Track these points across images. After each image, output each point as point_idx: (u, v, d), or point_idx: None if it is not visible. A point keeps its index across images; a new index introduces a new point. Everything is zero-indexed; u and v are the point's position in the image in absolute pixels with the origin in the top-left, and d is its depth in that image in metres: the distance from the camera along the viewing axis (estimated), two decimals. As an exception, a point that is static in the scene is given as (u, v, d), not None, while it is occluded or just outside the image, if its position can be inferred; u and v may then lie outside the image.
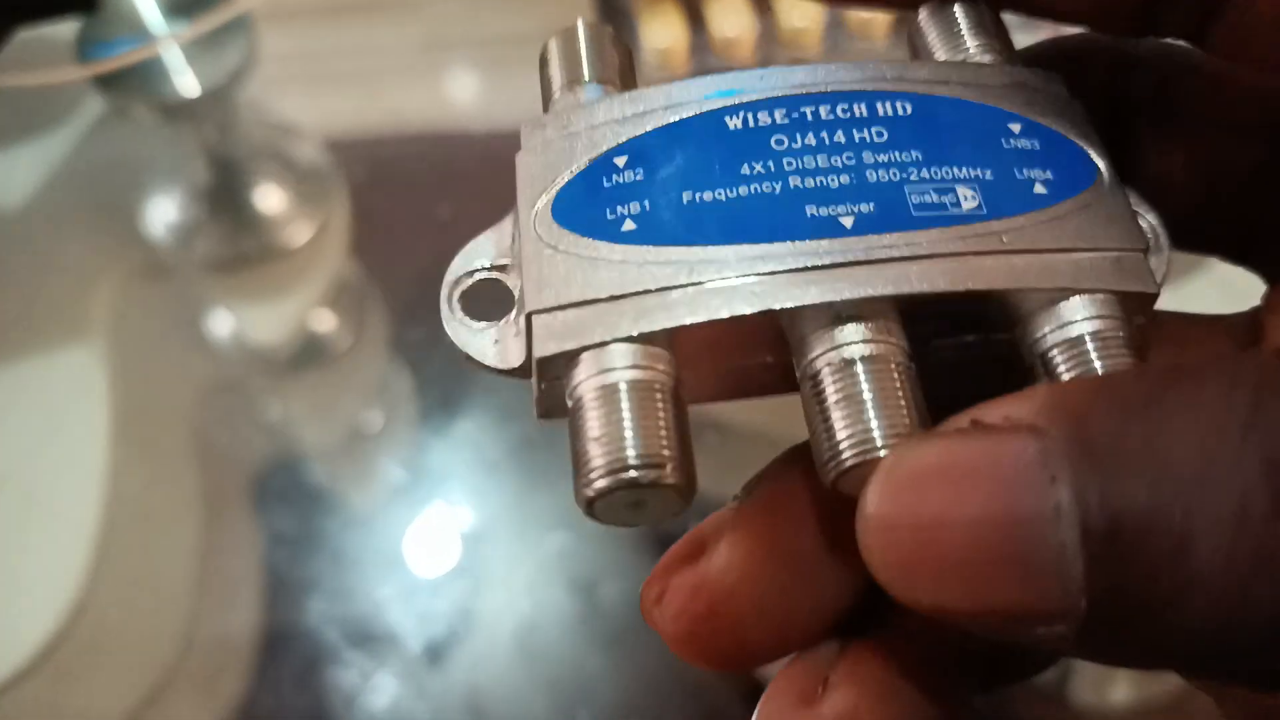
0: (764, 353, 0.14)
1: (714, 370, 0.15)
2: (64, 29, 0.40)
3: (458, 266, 0.15)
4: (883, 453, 0.12)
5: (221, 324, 0.43)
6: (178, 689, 0.34)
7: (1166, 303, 0.15)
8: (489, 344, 0.15)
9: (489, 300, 0.15)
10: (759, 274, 0.13)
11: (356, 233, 0.44)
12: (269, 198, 0.45)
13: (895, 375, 0.13)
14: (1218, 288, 0.17)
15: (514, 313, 0.15)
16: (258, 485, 0.39)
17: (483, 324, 0.15)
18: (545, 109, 0.16)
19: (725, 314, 0.13)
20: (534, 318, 0.14)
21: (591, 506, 0.13)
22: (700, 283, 0.13)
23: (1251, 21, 0.14)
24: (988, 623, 0.11)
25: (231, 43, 0.41)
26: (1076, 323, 0.13)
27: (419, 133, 0.48)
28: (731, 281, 0.13)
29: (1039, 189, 0.14)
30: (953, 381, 0.14)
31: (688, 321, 0.13)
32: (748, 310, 0.13)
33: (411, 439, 0.39)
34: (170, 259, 0.43)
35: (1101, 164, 0.15)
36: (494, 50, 0.50)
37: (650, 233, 0.14)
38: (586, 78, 0.16)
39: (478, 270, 0.15)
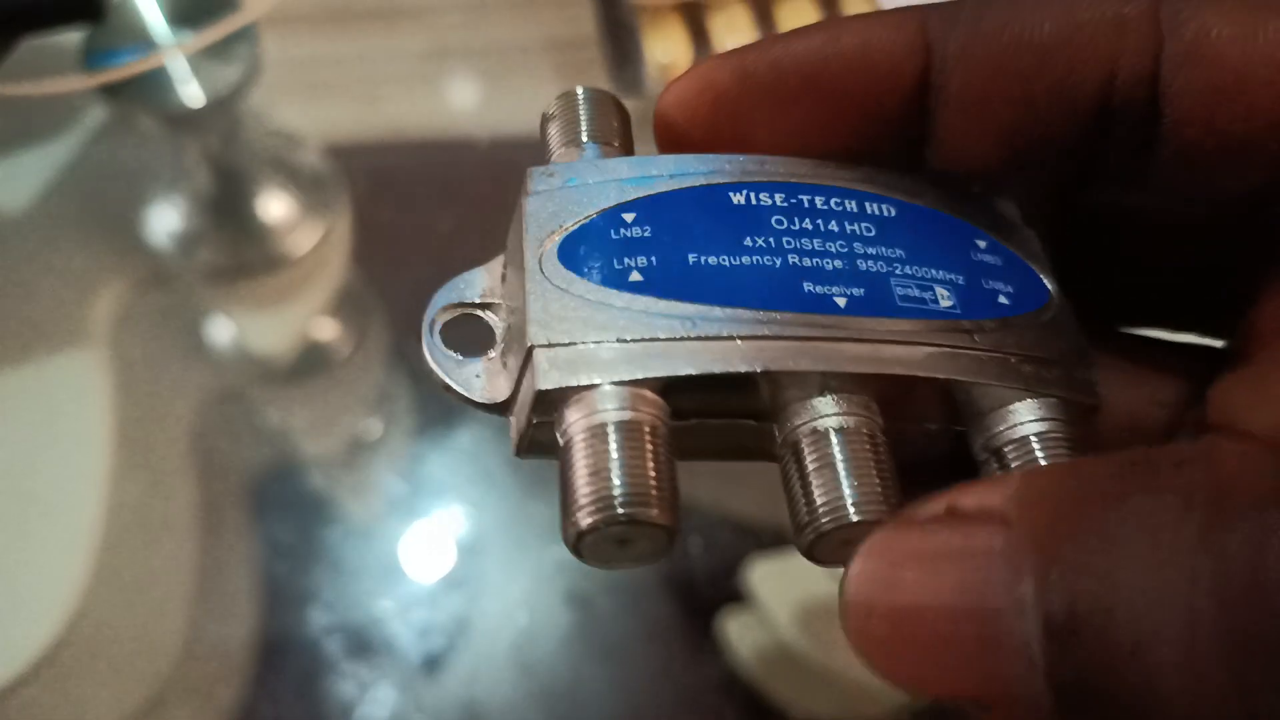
0: (748, 416, 0.15)
1: (700, 428, 0.15)
2: (69, 38, 0.40)
3: (441, 298, 0.16)
4: (855, 517, 0.13)
5: (223, 333, 0.43)
6: (176, 698, 0.34)
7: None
8: (471, 377, 0.15)
9: (468, 339, 0.15)
10: (757, 336, 0.14)
11: (359, 242, 0.44)
12: (272, 207, 0.45)
13: (869, 446, 0.14)
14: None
15: (497, 350, 0.15)
16: (257, 494, 0.39)
17: (465, 358, 0.15)
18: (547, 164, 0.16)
19: (720, 369, 0.14)
20: (536, 351, 0.14)
21: (579, 542, 0.13)
22: (701, 337, 0.14)
23: (1185, 155, 0.15)
24: (961, 704, 0.11)
25: (237, 53, 0.41)
26: (1027, 423, 0.15)
27: (422, 141, 0.48)
28: (731, 341, 0.14)
29: (1002, 300, 0.16)
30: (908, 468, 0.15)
31: (684, 372, 0.14)
32: (743, 368, 0.14)
33: (411, 450, 0.40)
34: (172, 267, 0.43)
35: (1052, 288, 0.16)
36: (497, 60, 0.50)
37: (656, 286, 0.14)
38: (585, 139, 0.16)
39: (462, 304, 0.16)
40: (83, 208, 0.44)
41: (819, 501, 0.13)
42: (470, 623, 0.35)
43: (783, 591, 0.35)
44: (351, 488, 0.39)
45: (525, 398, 0.14)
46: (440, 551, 0.37)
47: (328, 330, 0.43)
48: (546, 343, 0.14)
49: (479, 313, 0.16)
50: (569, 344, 0.14)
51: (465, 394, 0.15)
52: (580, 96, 0.17)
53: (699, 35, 0.43)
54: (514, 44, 0.50)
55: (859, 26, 0.15)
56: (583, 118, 0.17)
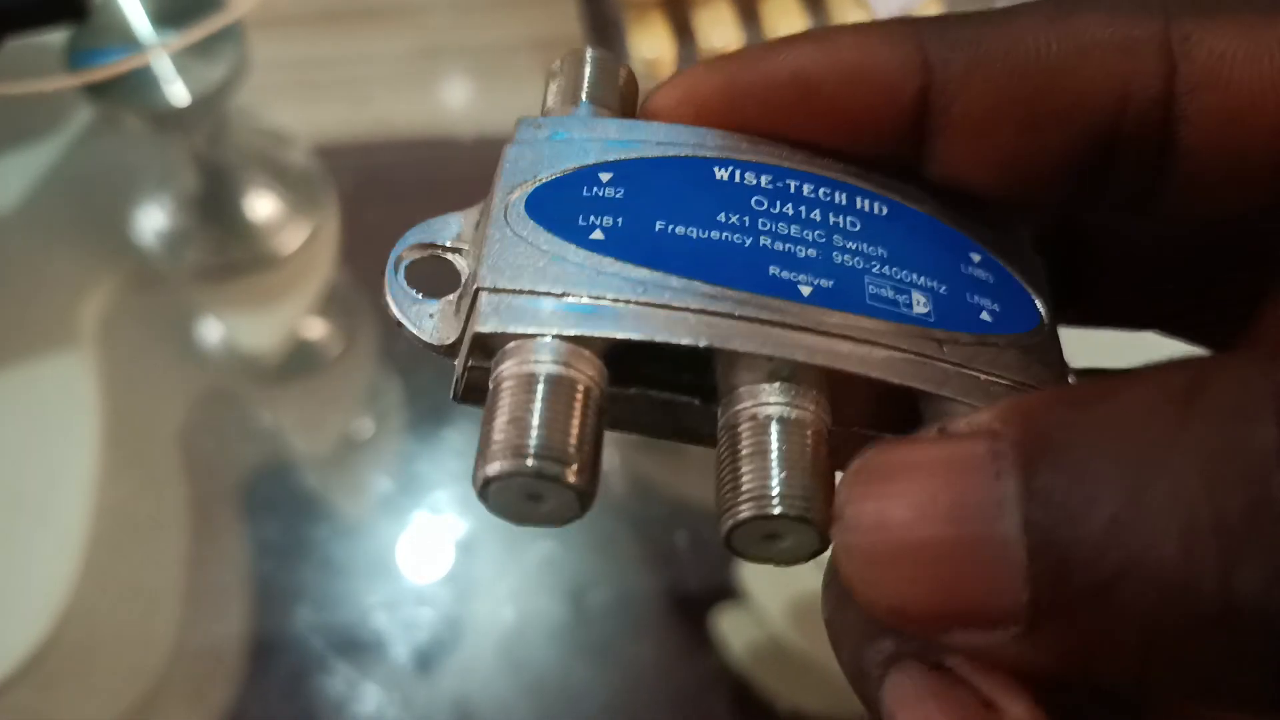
0: (692, 394, 0.15)
1: (640, 399, 0.15)
2: (53, 37, 0.40)
3: (411, 236, 0.16)
4: (776, 509, 0.13)
5: (211, 332, 0.43)
6: (166, 698, 0.34)
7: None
8: (425, 316, 0.15)
9: (439, 284, 0.15)
10: (709, 311, 0.14)
11: (346, 240, 0.44)
12: (259, 206, 0.45)
13: (810, 442, 0.13)
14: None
15: (457, 294, 0.15)
16: (246, 493, 0.39)
17: (424, 298, 0.15)
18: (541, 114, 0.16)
19: (663, 338, 0.13)
20: (481, 294, 0.14)
21: (485, 488, 0.12)
22: (650, 303, 0.14)
23: (1195, 178, 0.14)
24: (942, 623, 0.11)
25: (222, 51, 0.41)
26: None
27: (409, 140, 0.48)
28: (681, 311, 0.14)
29: (985, 316, 0.15)
30: None
31: (625, 335, 0.13)
32: (687, 341, 0.13)
33: (400, 448, 0.40)
34: (160, 267, 0.43)
35: (1044, 314, 0.16)
36: (484, 59, 0.50)
37: (616, 247, 0.14)
38: (583, 98, 0.16)
39: (432, 245, 0.15)
40: (68, 208, 0.43)
41: (744, 488, 0.13)
42: (460, 620, 0.35)
43: (774, 587, 0.36)
44: (341, 486, 0.39)
45: (466, 340, 0.14)
46: (430, 549, 0.37)
47: (316, 329, 0.43)
48: (493, 287, 0.14)
49: (448, 256, 0.15)
50: (516, 291, 0.14)
51: (415, 332, 0.15)
52: (587, 57, 0.17)
53: (683, 32, 0.43)
54: (500, 43, 0.50)
55: (853, 40, 0.15)
56: (585, 77, 0.17)
